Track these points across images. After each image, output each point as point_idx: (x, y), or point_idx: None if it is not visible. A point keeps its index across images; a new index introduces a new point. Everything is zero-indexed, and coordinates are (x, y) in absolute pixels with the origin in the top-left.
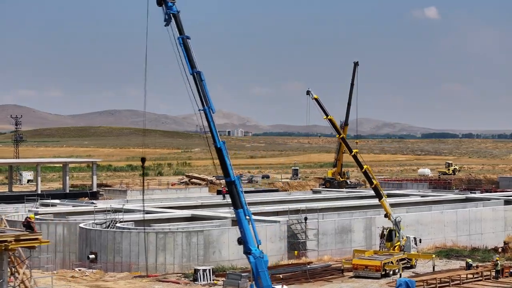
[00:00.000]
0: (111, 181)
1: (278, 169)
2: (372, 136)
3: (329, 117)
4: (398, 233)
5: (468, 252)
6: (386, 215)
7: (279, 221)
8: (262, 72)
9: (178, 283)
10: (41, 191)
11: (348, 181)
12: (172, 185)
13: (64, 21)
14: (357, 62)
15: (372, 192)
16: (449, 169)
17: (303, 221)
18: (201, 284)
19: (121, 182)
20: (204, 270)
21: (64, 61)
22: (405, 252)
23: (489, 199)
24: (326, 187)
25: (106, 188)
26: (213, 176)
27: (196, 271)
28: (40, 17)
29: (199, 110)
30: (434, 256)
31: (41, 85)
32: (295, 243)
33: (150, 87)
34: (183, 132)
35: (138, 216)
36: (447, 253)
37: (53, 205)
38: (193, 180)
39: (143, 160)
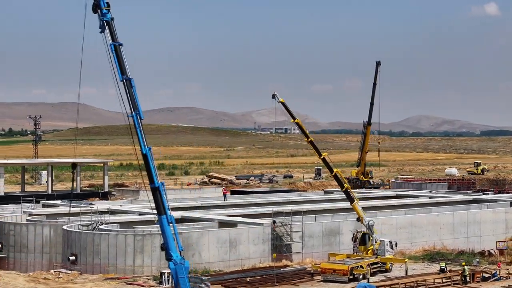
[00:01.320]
0: (133, 181)
1: (310, 168)
2: (430, 134)
3: (296, 120)
4: (371, 236)
5: (454, 255)
6: (358, 219)
7: (262, 224)
8: (322, 69)
9: (143, 286)
10: (52, 191)
11: (371, 181)
12: (188, 185)
13: (126, 19)
14: (379, 61)
15: (382, 193)
16: (477, 169)
17: (271, 224)
18: (164, 287)
19: (135, 182)
20: (169, 273)
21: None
22: (379, 256)
23: (496, 201)
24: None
25: (120, 188)
26: (235, 176)
27: (161, 274)
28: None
29: (128, 116)
30: (407, 260)
31: (102, 83)
32: (279, 246)
33: (210, 84)
34: (230, 130)
35: (126, 218)
36: (431, 256)
37: (52, 205)
38: (213, 180)
39: (73, 166)
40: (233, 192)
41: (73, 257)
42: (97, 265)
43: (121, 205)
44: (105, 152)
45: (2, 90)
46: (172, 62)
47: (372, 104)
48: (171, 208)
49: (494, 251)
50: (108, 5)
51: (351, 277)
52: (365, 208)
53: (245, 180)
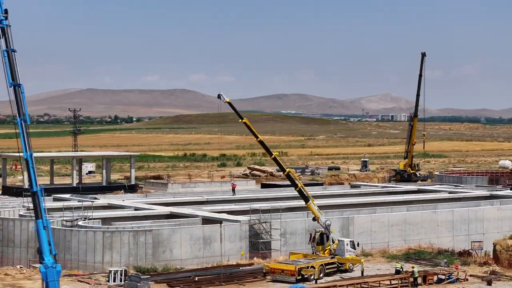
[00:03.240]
0: (173, 172)
1: (375, 159)
2: None
3: (243, 120)
4: (328, 236)
5: (432, 255)
6: (314, 219)
7: (239, 221)
8: (433, 54)
9: (89, 283)
10: (78, 184)
11: (417, 173)
12: (221, 178)
13: (233, 10)
14: (424, 53)
15: (403, 188)
16: None
17: (219, 225)
18: (108, 285)
19: (167, 175)
20: (116, 271)
21: (237, 46)
22: (337, 256)
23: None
24: (396, 180)
25: (155, 180)
26: (276, 168)
27: (110, 271)
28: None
29: (15, 121)
30: (363, 260)
31: (213, 70)
32: (257, 243)
33: (321, 71)
34: (319, 119)
35: (111, 214)
36: (408, 256)
37: (61, 199)
38: (254, 172)
39: None
40: (263, 185)
41: None
42: (68, 261)
43: (123, 200)
44: (184, 141)
45: (115, 77)
46: (286, 49)
47: (418, 95)
48: (177, 201)
49: (474, 251)
50: (6, 12)
51: (299, 277)
52: (366, 205)
53: None
